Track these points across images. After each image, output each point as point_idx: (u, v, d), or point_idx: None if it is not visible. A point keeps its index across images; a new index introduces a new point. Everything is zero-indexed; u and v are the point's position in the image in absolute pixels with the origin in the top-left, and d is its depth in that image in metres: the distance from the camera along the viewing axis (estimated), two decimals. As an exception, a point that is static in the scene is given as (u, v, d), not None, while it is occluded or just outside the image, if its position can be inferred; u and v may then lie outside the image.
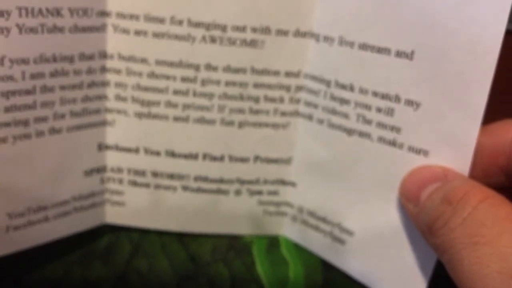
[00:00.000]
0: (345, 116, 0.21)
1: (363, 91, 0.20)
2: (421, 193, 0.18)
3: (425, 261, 0.19)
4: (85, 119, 0.22)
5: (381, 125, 0.19)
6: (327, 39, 0.21)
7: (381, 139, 0.20)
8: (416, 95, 0.18)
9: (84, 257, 0.24)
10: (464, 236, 0.15)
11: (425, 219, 0.17)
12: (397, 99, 0.19)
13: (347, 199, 0.21)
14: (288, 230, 0.24)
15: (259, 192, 0.24)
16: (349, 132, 0.21)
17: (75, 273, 0.23)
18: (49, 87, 0.20)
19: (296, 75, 0.22)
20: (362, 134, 0.20)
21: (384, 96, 0.19)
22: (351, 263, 0.22)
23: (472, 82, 0.17)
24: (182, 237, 0.25)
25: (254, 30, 0.21)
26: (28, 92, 0.19)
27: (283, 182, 0.24)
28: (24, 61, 0.19)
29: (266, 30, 0.21)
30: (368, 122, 0.20)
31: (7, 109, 0.19)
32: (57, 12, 0.19)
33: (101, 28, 0.21)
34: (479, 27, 0.16)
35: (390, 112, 0.19)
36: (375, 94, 0.19)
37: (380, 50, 0.19)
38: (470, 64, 0.17)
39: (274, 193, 0.24)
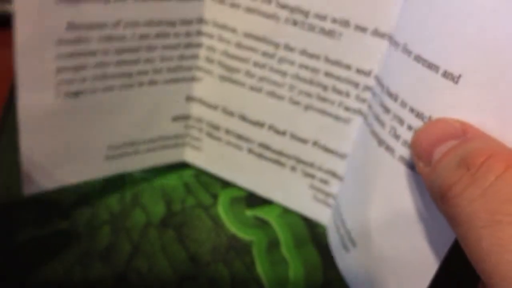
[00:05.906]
0: (382, 125, 0.20)
1: (403, 104, 0.19)
2: (434, 150, 0.16)
3: (428, 264, 0.18)
4: (178, 74, 0.26)
5: (406, 144, 0.18)
6: (395, 43, 0.20)
7: (401, 159, 0.19)
8: None
9: (84, 257, 0.24)
10: (485, 211, 0.13)
11: (437, 183, 0.15)
12: (430, 120, 0.18)
13: (361, 210, 0.21)
14: (328, 222, 0.26)
15: (312, 176, 0.25)
16: (380, 142, 0.20)
17: (75, 273, 0.23)
18: (153, 46, 0.24)
19: (367, 74, 0.22)
20: (388, 148, 0.19)
21: (419, 115, 0.18)
22: (353, 270, 0.23)
23: None
24: (182, 237, 0.26)
25: (334, 20, 0.22)
26: (135, 50, 0.23)
27: (334, 174, 0.25)
28: (135, 24, 0.23)
29: (345, 23, 0.22)
30: (396, 137, 0.19)
31: (118, 63, 0.23)
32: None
33: (201, -1, 0.24)
34: None
35: None
36: (411, 110, 0.18)
37: (430, 66, 0.17)
38: None
39: (325, 182, 0.25)
